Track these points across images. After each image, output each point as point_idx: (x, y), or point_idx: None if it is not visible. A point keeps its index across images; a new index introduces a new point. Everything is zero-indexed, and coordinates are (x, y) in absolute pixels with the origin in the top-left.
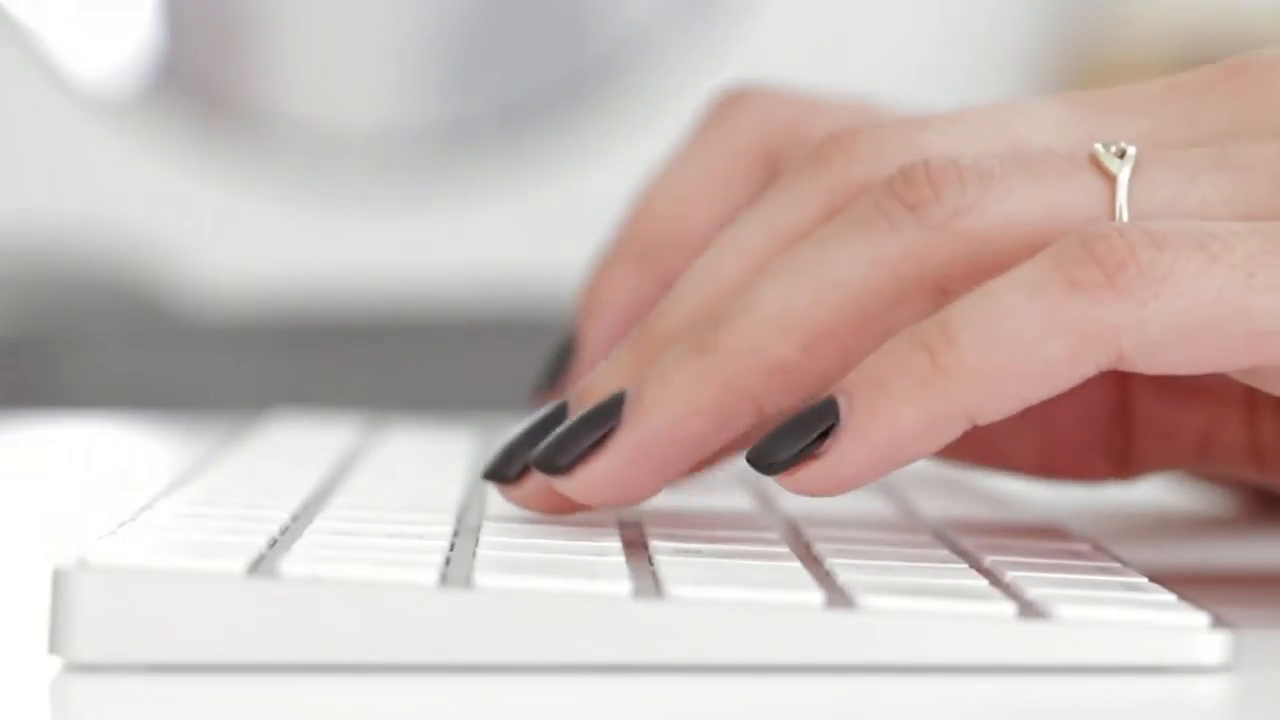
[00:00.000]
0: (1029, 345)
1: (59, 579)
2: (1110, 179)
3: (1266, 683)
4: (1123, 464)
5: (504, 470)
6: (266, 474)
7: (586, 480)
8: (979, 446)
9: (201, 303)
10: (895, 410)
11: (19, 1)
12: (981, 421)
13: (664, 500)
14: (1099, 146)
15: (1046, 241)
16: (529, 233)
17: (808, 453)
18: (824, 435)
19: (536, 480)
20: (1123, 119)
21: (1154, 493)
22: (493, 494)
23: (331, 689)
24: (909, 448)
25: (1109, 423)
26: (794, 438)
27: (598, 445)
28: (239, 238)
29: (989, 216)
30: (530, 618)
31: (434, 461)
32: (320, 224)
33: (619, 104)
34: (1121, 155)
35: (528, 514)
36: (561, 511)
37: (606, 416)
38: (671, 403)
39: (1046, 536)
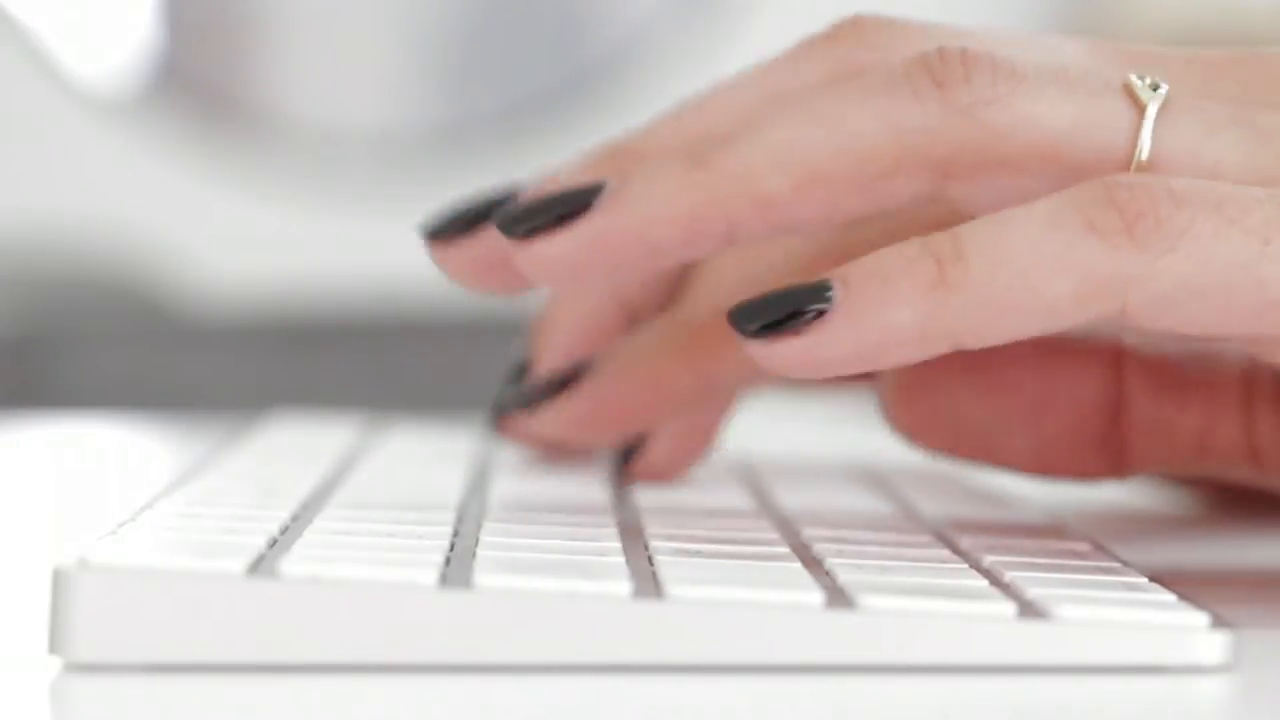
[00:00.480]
0: (1036, 279)
1: (59, 579)
2: (1140, 109)
3: (1266, 683)
4: (1118, 463)
5: (443, 228)
6: (266, 474)
7: (539, 253)
8: (974, 442)
9: (201, 303)
10: (891, 308)
11: (19, 1)
12: (969, 346)
13: (664, 500)
14: (1134, 76)
15: (1060, 152)
16: None
17: (791, 327)
18: (810, 318)
19: (471, 247)
20: (1145, 71)
21: (1154, 493)
22: (493, 494)
23: (331, 689)
24: (893, 350)
25: (1105, 420)
26: (780, 306)
27: (561, 223)
28: (239, 237)
29: (1012, 112)
30: (530, 618)
31: (434, 461)
32: (320, 224)
33: (619, 104)
34: (1155, 89)
35: (527, 514)
36: (484, 286)
37: (581, 199)
38: (649, 202)
39: (1046, 536)
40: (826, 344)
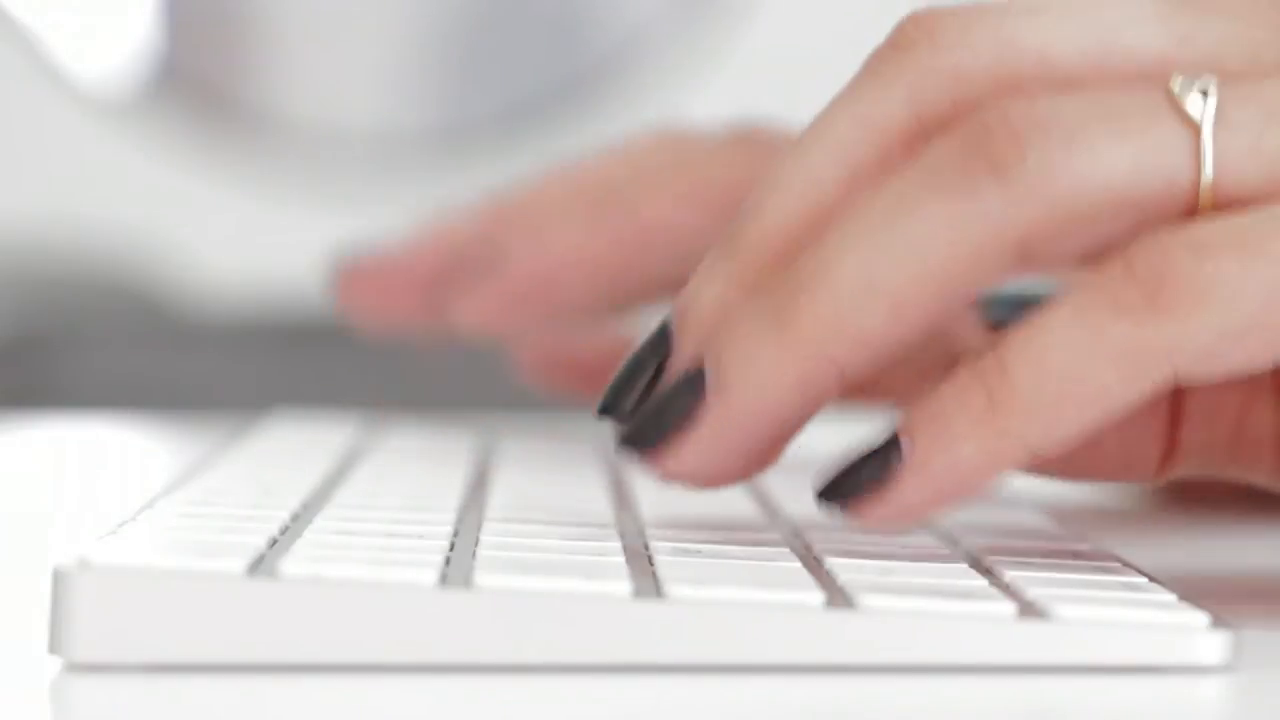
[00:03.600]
0: (1080, 375)
1: (59, 579)
2: (1194, 129)
3: (1266, 683)
4: (1168, 456)
5: (616, 404)
6: (266, 474)
7: (678, 465)
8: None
9: (201, 303)
10: (955, 448)
11: (19, 1)
12: (1043, 452)
13: (664, 500)
14: (1177, 86)
15: (1129, 196)
16: None
17: (874, 489)
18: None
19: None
20: (1213, 18)
21: (1153, 494)
22: (492, 494)
23: (331, 689)
24: (969, 481)
25: (1168, 403)
26: (860, 476)
27: (685, 424)
28: (239, 237)
29: (1073, 178)
30: (530, 618)
31: (434, 461)
32: (320, 224)
33: (618, 105)
34: (1204, 94)
35: (527, 514)
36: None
37: (689, 394)
38: (757, 382)
39: (1046, 536)
40: (909, 499)
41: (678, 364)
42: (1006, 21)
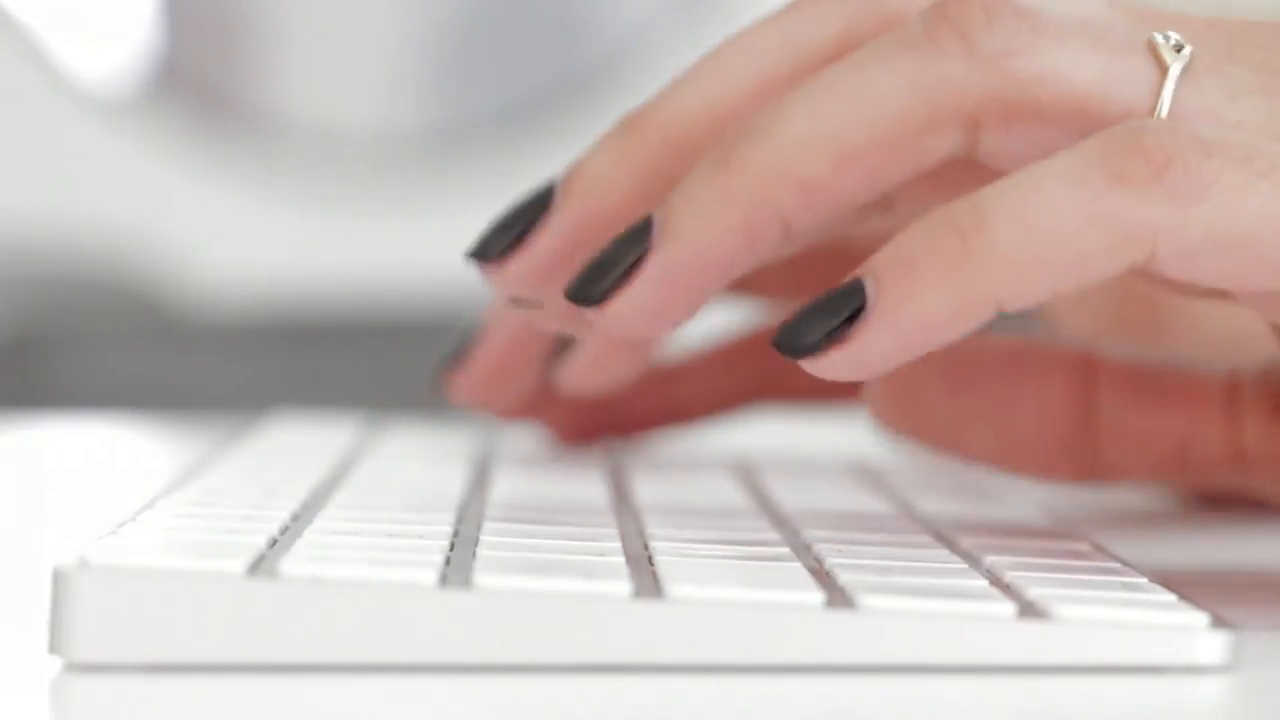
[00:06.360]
0: (1065, 235)
1: (59, 579)
2: (1163, 68)
3: (1266, 683)
4: (1092, 467)
5: (488, 250)
6: (266, 474)
7: (619, 312)
8: (943, 435)
9: (201, 303)
10: (924, 295)
11: (19, 1)
12: (1009, 309)
13: (664, 500)
14: (1158, 36)
15: (1087, 106)
16: None
17: (835, 337)
18: (852, 318)
19: (524, 259)
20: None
21: (1152, 493)
22: (492, 494)
23: (331, 689)
24: (936, 333)
25: (1071, 425)
26: (821, 320)
27: (628, 274)
28: (238, 238)
29: (1037, 63)
30: (530, 618)
31: (434, 461)
32: (319, 224)
33: (618, 104)
34: (1179, 50)
35: (527, 514)
36: (543, 293)
37: (635, 243)
38: (700, 225)
39: (1046, 536)
40: (872, 347)
41: (555, 223)
42: None
